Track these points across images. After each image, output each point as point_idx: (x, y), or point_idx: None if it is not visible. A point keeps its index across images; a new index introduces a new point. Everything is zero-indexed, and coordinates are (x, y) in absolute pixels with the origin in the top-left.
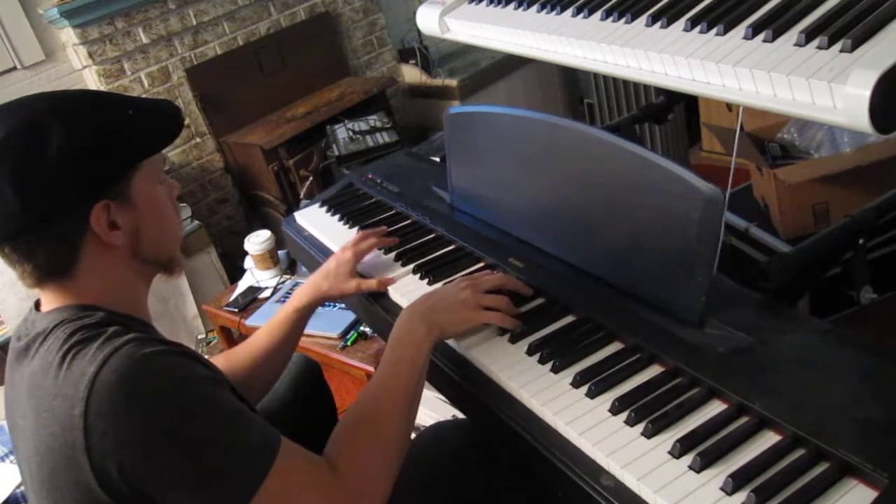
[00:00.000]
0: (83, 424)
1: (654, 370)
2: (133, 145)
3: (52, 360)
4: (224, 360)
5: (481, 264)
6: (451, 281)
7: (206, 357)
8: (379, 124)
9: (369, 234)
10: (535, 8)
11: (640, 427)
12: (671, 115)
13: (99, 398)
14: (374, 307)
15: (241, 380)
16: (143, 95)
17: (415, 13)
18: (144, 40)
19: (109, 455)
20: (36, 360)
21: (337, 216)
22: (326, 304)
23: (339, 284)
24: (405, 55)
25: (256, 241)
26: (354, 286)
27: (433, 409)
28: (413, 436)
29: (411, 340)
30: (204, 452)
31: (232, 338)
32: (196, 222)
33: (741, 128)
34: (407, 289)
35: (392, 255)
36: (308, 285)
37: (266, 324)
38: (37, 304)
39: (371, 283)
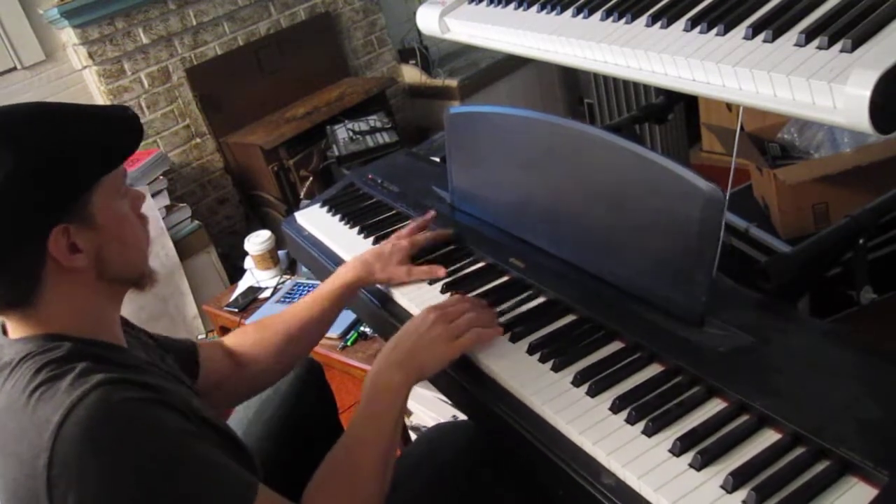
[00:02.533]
0: (46, 476)
1: (654, 369)
2: (89, 162)
3: (18, 399)
4: (256, 330)
5: (482, 264)
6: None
7: (233, 331)
8: (379, 124)
9: (422, 224)
10: (535, 8)
11: (641, 425)
12: (671, 115)
13: (63, 450)
14: (382, 312)
15: (274, 353)
16: (143, 97)
17: (415, 13)
18: (144, 40)
19: None
20: (2, 395)
21: (338, 216)
22: None
23: (390, 268)
24: (405, 55)
25: (256, 242)
26: (405, 272)
27: (433, 409)
28: (413, 437)
29: (387, 391)
30: None
31: None
32: (196, 222)
33: (741, 128)
34: (413, 294)
35: None
36: (358, 261)
37: (306, 297)
38: (3, 327)
39: (423, 270)
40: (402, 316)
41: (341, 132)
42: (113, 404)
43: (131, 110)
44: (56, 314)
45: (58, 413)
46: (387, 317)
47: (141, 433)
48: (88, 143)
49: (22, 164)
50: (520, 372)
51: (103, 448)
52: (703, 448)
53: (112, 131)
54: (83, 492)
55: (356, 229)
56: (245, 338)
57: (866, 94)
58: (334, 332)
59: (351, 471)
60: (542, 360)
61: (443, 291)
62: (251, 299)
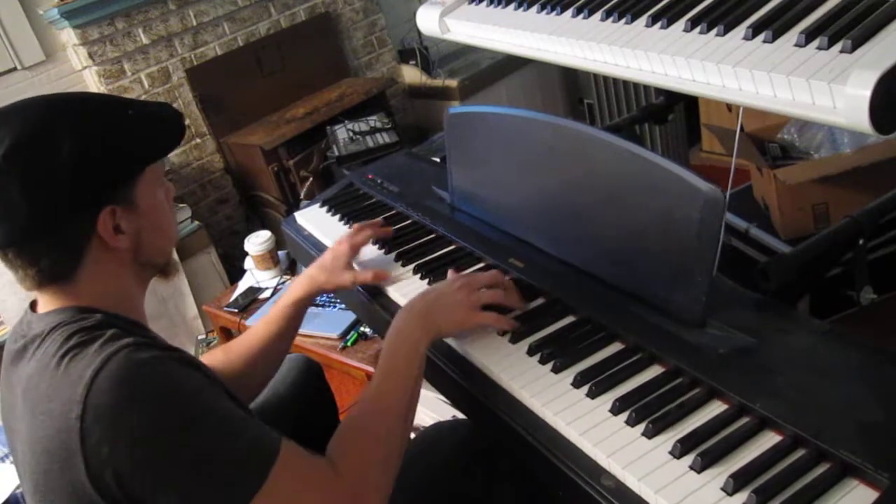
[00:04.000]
0: (80, 427)
1: (654, 370)
2: (140, 150)
3: (49, 363)
4: (222, 353)
5: (482, 264)
6: (445, 279)
7: (204, 353)
8: (379, 125)
9: (365, 226)
10: (535, 8)
11: (641, 427)
12: (671, 115)
13: (96, 401)
14: (373, 305)
15: (239, 374)
16: (143, 97)
17: (415, 13)
18: (144, 41)
19: (106, 459)
20: (33, 362)
21: (337, 216)
22: (327, 305)
23: (334, 277)
24: (405, 56)
25: (256, 242)
26: (350, 279)
27: (433, 409)
28: (412, 436)
29: (408, 340)
30: (201, 459)
31: (232, 339)
32: (196, 222)
33: (741, 128)
34: (407, 289)
35: (392, 255)
36: (303, 278)
37: (262, 318)
38: (33, 305)
39: (367, 276)
40: (395, 312)
41: (341, 132)
42: (143, 360)
43: (174, 107)
44: (91, 290)
45: (90, 369)
46: (381, 313)
47: (170, 384)
48: (140, 131)
49: (83, 145)
50: (520, 373)
51: (136, 399)
52: (703, 450)
53: (160, 125)
54: (117, 441)
55: None
56: (213, 359)
57: (866, 94)
58: (334, 331)
59: (374, 417)
60: (543, 361)
61: None
62: (251, 300)
